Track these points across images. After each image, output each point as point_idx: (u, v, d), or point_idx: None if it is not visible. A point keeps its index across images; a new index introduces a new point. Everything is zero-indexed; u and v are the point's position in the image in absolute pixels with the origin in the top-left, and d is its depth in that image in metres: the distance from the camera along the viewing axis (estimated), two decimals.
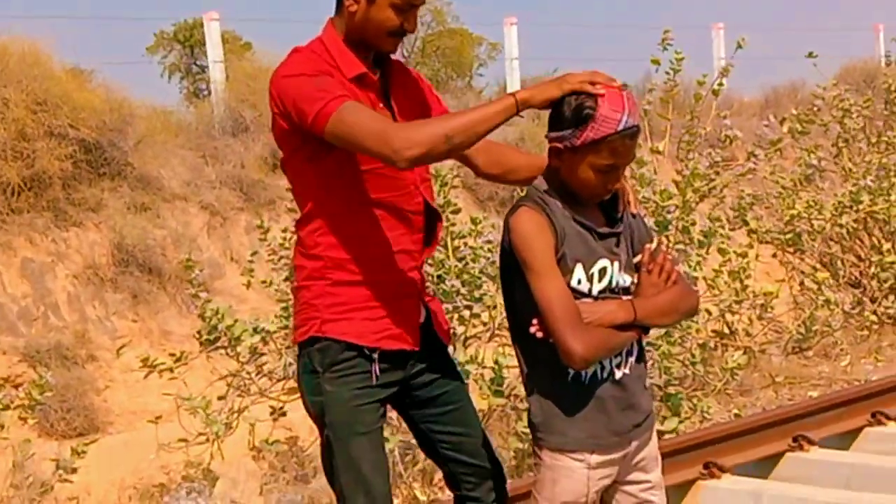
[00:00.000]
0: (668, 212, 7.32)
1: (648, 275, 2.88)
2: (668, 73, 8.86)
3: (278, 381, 7.13)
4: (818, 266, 9.48)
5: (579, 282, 2.82)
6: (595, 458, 2.86)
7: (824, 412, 5.96)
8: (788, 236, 9.20)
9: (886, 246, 9.38)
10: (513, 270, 2.85)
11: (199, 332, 7.20)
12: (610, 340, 2.79)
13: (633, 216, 2.99)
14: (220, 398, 7.02)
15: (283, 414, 7.05)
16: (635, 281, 2.91)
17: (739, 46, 8.64)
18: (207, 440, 6.81)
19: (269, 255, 7.60)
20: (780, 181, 9.32)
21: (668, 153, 9.20)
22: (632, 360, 2.92)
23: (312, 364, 3.07)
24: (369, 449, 3.08)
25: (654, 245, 2.95)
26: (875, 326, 9.30)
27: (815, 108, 9.95)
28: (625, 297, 2.88)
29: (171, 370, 7.01)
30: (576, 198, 2.86)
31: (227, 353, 7.06)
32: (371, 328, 3.05)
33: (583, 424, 2.85)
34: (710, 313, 7.89)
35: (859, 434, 6.02)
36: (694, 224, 7.50)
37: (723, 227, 7.48)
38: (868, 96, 10.87)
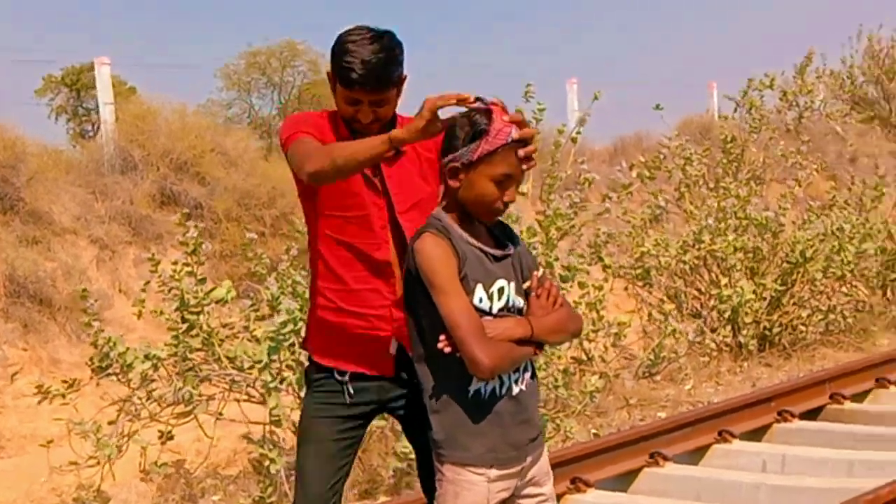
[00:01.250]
0: (534, 248, 7.37)
1: (537, 298, 2.90)
2: (530, 122, 8.97)
3: (168, 405, 6.94)
4: (664, 298, 9.68)
5: (480, 300, 2.82)
6: (494, 472, 2.84)
7: (676, 431, 6.06)
8: (638, 271, 9.37)
9: (724, 281, 9.61)
10: (418, 293, 2.84)
11: (91, 360, 6.99)
12: (512, 353, 2.80)
13: (518, 246, 3.01)
14: (110, 423, 6.83)
15: (171, 437, 6.89)
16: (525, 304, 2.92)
17: (596, 98, 8.82)
18: (98, 463, 6.62)
19: (160, 286, 7.41)
20: (631, 221, 9.50)
21: (530, 195, 9.33)
22: (527, 376, 2.92)
23: (308, 377, 3.37)
24: (313, 456, 3.27)
25: (540, 272, 2.97)
26: (714, 353, 9.51)
27: (661, 156, 10.20)
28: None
29: (64, 396, 6.79)
30: (472, 220, 2.87)
31: (119, 380, 6.85)
32: (340, 351, 3.24)
33: (482, 439, 2.84)
34: (569, 341, 7.96)
35: (707, 450, 6.13)
36: (557, 260, 7.58)
37: (582, 263, 7.56)
38: (706, 146, 11.17)
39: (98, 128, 21.32)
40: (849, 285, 10.60)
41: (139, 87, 16.86)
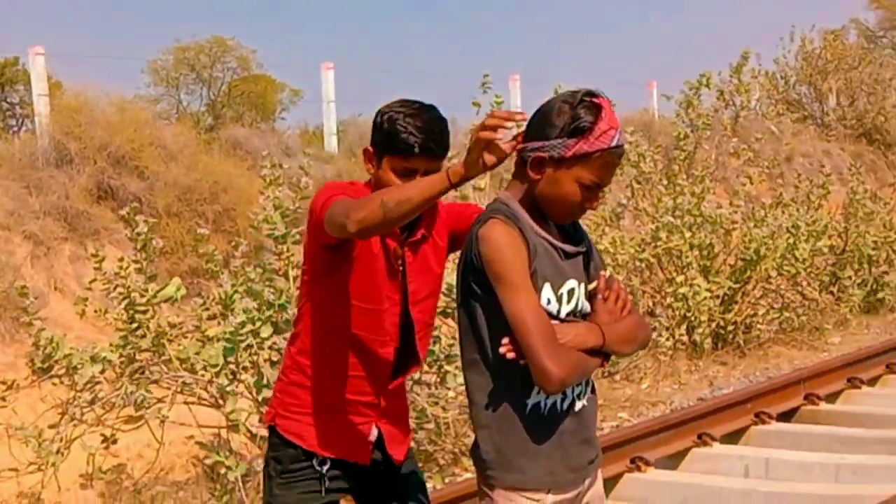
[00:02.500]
0: None
1: (604, 302, 2.50)
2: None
3: (113, 409, 6.52)
4: None
5: (548, 302, 2.43)
6: (551, 498, 2.46)
7: (656, 434, 5.78)
8: None
9: (679, 278, 9.39)
10: (477, 286, 2.44)
11: (31, 360, 6.55)
12: (582, 364, 2.41)
13: (587, 243, 2.63)
14: (51, 427, 6.40)
15: (115, 442, 6.48)
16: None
17: (556, 92, 8.52)
18: (40, 469, 6.20)
19: (105, 284, 6.95)
20: (590, 218, 9.23)
21: (487, 190, 9.01)
22: (588, 390, 2.56)
23: (268, 468, 3.13)
24: None
25: (608, 272, 2.59)
26: (671, 352, 9.28)
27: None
28: None
29: (3, 399, 6.35)
30: (543, 216, 2.48)
31: (62, 382, 6.42)
32: (316, 433, 3.04)
33: (541, 461, 2.46)
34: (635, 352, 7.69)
35: (687, 454, 5.87)
36: None
37: None
38: (658, 143, 10.96)
39: (23, 123, 20.59)
40: (802, 283, 10.47)
41: (64, 81, 16.17)
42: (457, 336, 6.21)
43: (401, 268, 2.97)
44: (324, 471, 3.04)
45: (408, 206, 2.53)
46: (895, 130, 20.65)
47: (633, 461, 5.47)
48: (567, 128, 2.38)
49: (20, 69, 20.29)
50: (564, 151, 2.38)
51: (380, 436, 3.08)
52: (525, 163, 2.44)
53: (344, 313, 2.96)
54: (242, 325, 5.93)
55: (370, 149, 2.97)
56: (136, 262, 6.54)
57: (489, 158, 2.41)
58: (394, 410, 3.12)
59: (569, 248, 2.51)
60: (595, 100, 2.40)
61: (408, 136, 2.85)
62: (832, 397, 7.14)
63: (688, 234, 9.35)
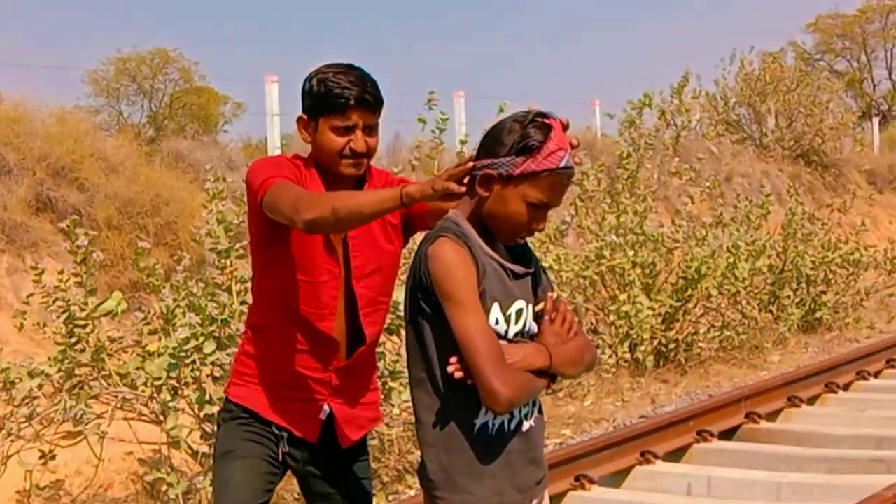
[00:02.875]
0: None
1: (551, 324, 2.50)
2: (433, 131, 8.75)
3: (51, 424, 6.40)
4: None
5: (497, 322, 2.42)
6: None
7: (599, 452, 5.80)
8: None
9: (622, 296, 9.45)
10: (425, 304, 2.42)
11: None
12: (530, 385, 2.40)
13: (535, 264, 2.62)
14: None
15: (53, 458, 6.35)
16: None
17: (501, 110, 8.57)
18: None
19: (44, 297, 6.83)
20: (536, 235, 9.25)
21: None
22: (535, 410, 2.55)
23: (219, 415, 3.18)
24: (242, 469, 3.03)
25: (555, 294, 2.59)
26: (613, 370, 9.33)
27: None
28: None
29: None
30: (491, 234, 2.47)
31: None
32: (268, 403, 3.05)
33: (488, 481, 2.44)
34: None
35: (630, 472, 5.89)
36: None
37: None
38: (601, 161, 11.05)
39: None
40: (742, 302, 10.59)
41: (2, 90, 15.94)
42: (401, 352, 6.19)
43: (342, 243, 2.98)
44: (283, 434, 3.05)
45: (359, 217, 2.61)
46: (832, 152, 21.02)
47: (577, 479, 5.48)
48: (516, 146, 2.38)
49: None
50: (512, 169, 2.38)
51: (331, 416, 3.04)
52: (474, 180, 2.44)
53: (283, 284, 2.98)
54: (186, 340, 5.85)
55: (304, 116, 3.00)
56: (75, 275, 6.43)
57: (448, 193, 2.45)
58: (349, 390, 3.08)
59: (517, 268, 2.50)
60: (546, 120, 2.40)
61: (342, 91, 2.89)
62: (772, 416, 7.21)
63: (630, 253, 9.42)
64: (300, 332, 3.00)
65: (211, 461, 3.16)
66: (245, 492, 3.02)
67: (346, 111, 2.89)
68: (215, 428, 3.21)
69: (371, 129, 2.95)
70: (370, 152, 2.96)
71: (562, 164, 2.38)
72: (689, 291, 9.88)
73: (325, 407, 3.04)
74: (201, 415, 5.98)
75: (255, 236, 3.04)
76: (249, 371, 3.09)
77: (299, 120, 3.02)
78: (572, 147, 2.42)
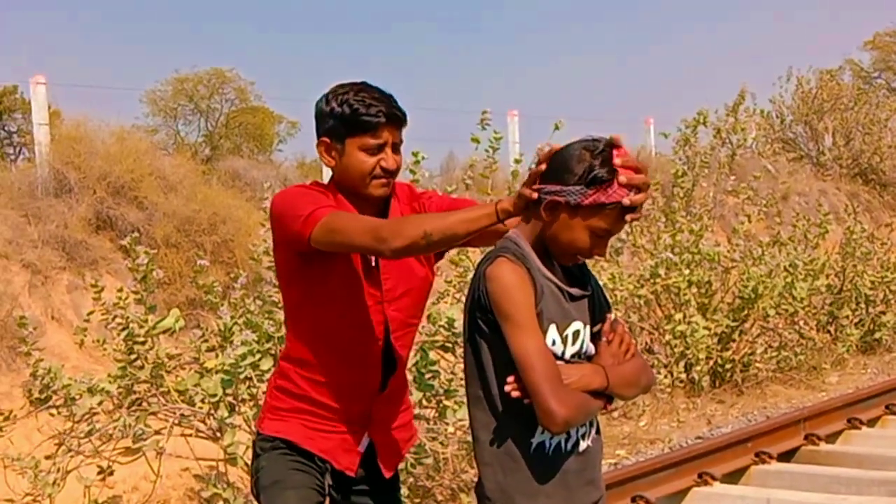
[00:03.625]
0: None
1: (608, 345, 2.51)
2: (487, 150, 8.78)
3: (110, 440, 6.48)
4: None
5: (553, 343, 2.43)
6: None
7: (657, 473, 5.74)
8: None
9: (678, 316, 9.38)
10: (483, 324, 2.44)
11: (29, 391, 6.51)
12: (586, 405, 2.41)
13: (593, 286, 2.62)
14: (47, 458, 6.35)
15: (111, 473, 6.43)
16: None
17: (557, 128, 8.58)
18: (35, 500, 6.15)
19: (104, 314, 6.93)
20: None
21: None
22: (593, 430, 2.55)
23: (256, 449, 3.03)
24: (295, 499, 2.91)
25: (613, 316, 2.59)
26: (668, 390, 9.26)
27: None
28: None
29: (0, 429, 6.31)
30: (550, 257, 2.48)
31: (59, 412, 6.38)
32: (308, 435, 2.96)
33: (544, 500, 2.45)
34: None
35: (688, 493, 5.83)
36: None
37: None
38: (656, 180, 10.98)
39: (20, 151, 20.58)
40: (799, 322, 10.46)
41: (63, 109, 16.19)
42: (455, 371, 6.18)
43: (375, 267, 2.93)
44: (326, 466, 2.97)
45: (453, 238, 2.55)
46: (891, 171, 20.71)
47: (633, 500, 5.44)
48: (586, 176, 2.38)
49: (18, 97, 20.32)
50: (581, 199, 2.38)
51: (370, 447, 3.01)
52: (538, 203, 2.44)
53: (325, 315, 2.91)
54: (243, 357, 5.90)
55: (326, 140, 2.92)
56: (135, 292, 6.52)
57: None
58: (386, 418, 3.05)
59: (575, 290, 2.52)
60: (616, 151, 2.40)
61: (369, 109, 2.84)
62: (832, 437, 7.11)
63: (686, 272, 9.35)
64: (345, 363, 2.94)
65: (253, 490, 3.06)
66: None
67: (377, 129, 2.84)
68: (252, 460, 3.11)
69: (397, 147, 2.91)
70: (398, 171, 2.92)
71: (628, 201, 2.38)
72: (746, 311, 9.78)
73: (365, 439, 3.00)
74: None
75: (284, 270, 2.98)
76: (285, 405, 3.00)
77: (320, 144, 2.94)
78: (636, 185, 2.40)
